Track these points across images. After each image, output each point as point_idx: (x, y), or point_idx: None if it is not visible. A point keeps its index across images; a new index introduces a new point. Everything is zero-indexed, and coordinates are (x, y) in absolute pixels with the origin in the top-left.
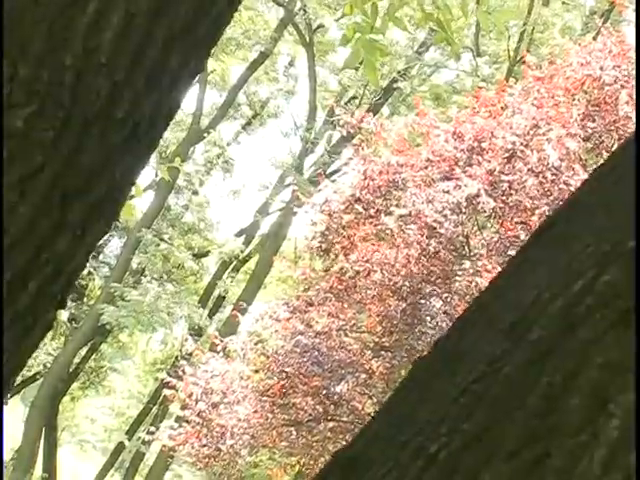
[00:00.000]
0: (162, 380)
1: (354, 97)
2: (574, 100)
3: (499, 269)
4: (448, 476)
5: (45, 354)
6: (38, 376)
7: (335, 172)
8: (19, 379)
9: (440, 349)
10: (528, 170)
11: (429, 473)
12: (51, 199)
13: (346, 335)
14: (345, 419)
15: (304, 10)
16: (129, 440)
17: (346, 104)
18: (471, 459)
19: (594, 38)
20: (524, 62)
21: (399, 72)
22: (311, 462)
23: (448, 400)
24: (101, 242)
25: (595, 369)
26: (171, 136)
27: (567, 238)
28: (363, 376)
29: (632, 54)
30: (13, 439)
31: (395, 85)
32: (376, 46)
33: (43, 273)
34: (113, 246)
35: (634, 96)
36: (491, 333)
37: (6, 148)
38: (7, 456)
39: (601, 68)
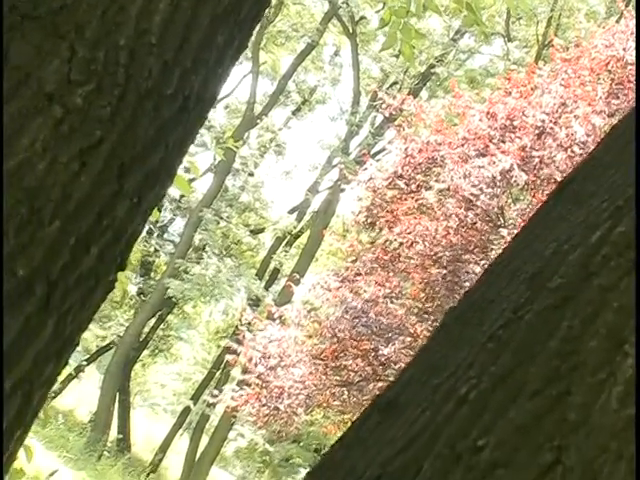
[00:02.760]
0: (224, 347)
1: (395, 82)
2: (599, 79)
3: None
4: (478, 415)
5: (117, 325)
6: (111, 345)
7: (379, 152)
8: (94, 348)
9: (469, 299)
10: (557, 145)
11: (460, 412)
12: (110, 169)
13: (392, 302)
14: (392, 379)
15: (347, 3)
16: (195, 403)
17: (388, 89)
18: (498, 398)
19: (617, 21)
20: (552, 45)
21: (436, 58)
22: None
23: (477, 346)
24: (165, 221)
25: (611, 313)
26: (227, 123)
27: (584, 194)
28: (408, 339)
29: None
30: (90, 403)
31: (432, 70)
32: (411, 28)
33: (104, 238)
34: (177, 225)
35: None
36: (515, 283)
37: (67, 123)
38: (85, 418)
39: (624, 49)
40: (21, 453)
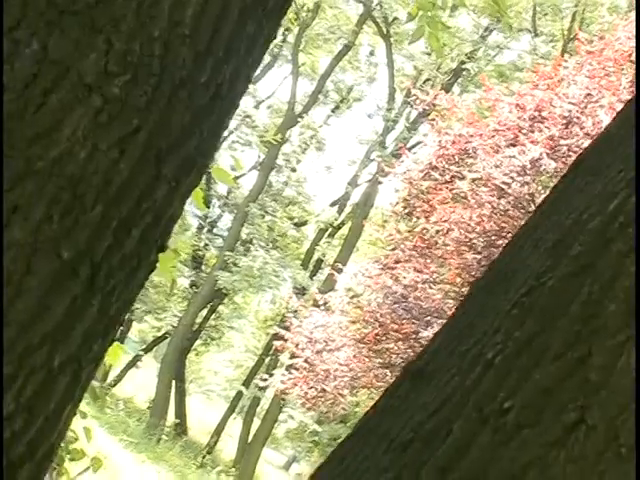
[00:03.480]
0: (273, 334)
1: (428, 79)
2: (623, 70)
3: None
4: (503, 378)
5: (171, 316)
6: (167, 335)
7: (414, 145)
8: (151, 338)
9: (494, 270)
10: (584, 134)
11: (487, 376)
12: (147, 156)
13: (430, 287)
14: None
15: (381, 5)
16: (247, 388)
17: (421, 86)
18: (523, 362)
19: None
20: (577, 39)
21: (466, 55)
22: None
23: (502, 313)
24: (214, 217)
25: (629, 278)
26: (270, 122)
27: (601, 166)
28: None
29: None
30: (148, 391)
31: (463, 66)
32: (437, 21)
33: (144, 221)
34: (225, 220)
35: None
36: (537, 252)
37: (106, 112)
38: (144, 405)
39: None
40: (82, 435)
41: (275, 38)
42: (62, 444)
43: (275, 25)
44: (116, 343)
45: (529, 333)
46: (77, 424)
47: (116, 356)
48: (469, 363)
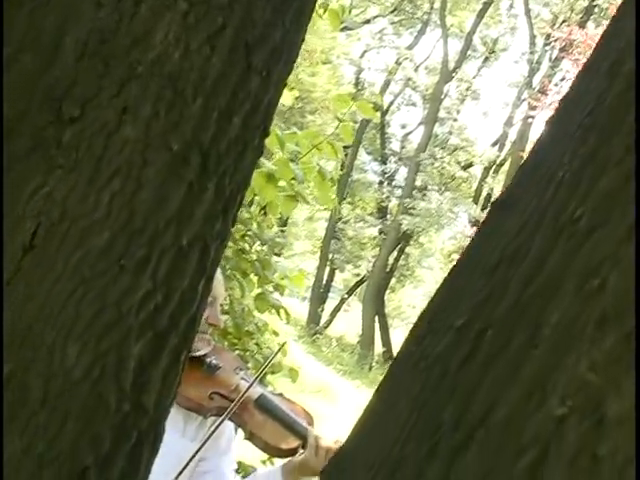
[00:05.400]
0: None
1: (564, 21)
2: None
3: None
4: (573, 191)
5: (367, 262)
6: (365, 279)
7: (559, 81)
8: (352, 283)
9: (563, 102)
10: None
11: (559, 193)
12: (237, 49)
13: None
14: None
15: None
16: None
17: (558, 28)
18: (589, 173)
19: None
20: None
21: None
22: None
23: (569, 135)
24: (392, 171)
25: None
26: (429, 81)
27: None
28: None
29: None
30: (356, 328)
31: (594, 3)
32: None
33: (243, 109)
34: (401, 173)
35: None
36: (598, 76)
37: (193, 14)
38: (354, 340)
39: None
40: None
41: None
42: (261, 357)
43: None
44: (300, 271)
45: (592, 148)
46: (273, 341)
47: (301, 282)
48: (544, 185)
